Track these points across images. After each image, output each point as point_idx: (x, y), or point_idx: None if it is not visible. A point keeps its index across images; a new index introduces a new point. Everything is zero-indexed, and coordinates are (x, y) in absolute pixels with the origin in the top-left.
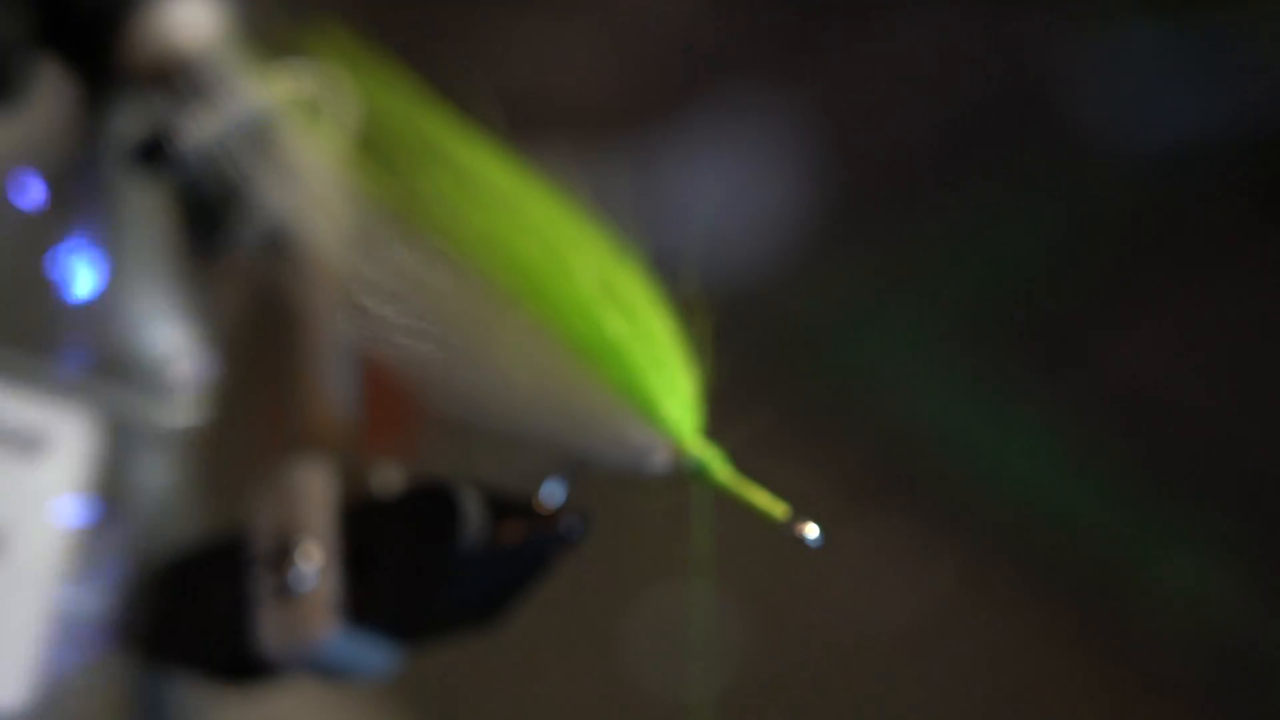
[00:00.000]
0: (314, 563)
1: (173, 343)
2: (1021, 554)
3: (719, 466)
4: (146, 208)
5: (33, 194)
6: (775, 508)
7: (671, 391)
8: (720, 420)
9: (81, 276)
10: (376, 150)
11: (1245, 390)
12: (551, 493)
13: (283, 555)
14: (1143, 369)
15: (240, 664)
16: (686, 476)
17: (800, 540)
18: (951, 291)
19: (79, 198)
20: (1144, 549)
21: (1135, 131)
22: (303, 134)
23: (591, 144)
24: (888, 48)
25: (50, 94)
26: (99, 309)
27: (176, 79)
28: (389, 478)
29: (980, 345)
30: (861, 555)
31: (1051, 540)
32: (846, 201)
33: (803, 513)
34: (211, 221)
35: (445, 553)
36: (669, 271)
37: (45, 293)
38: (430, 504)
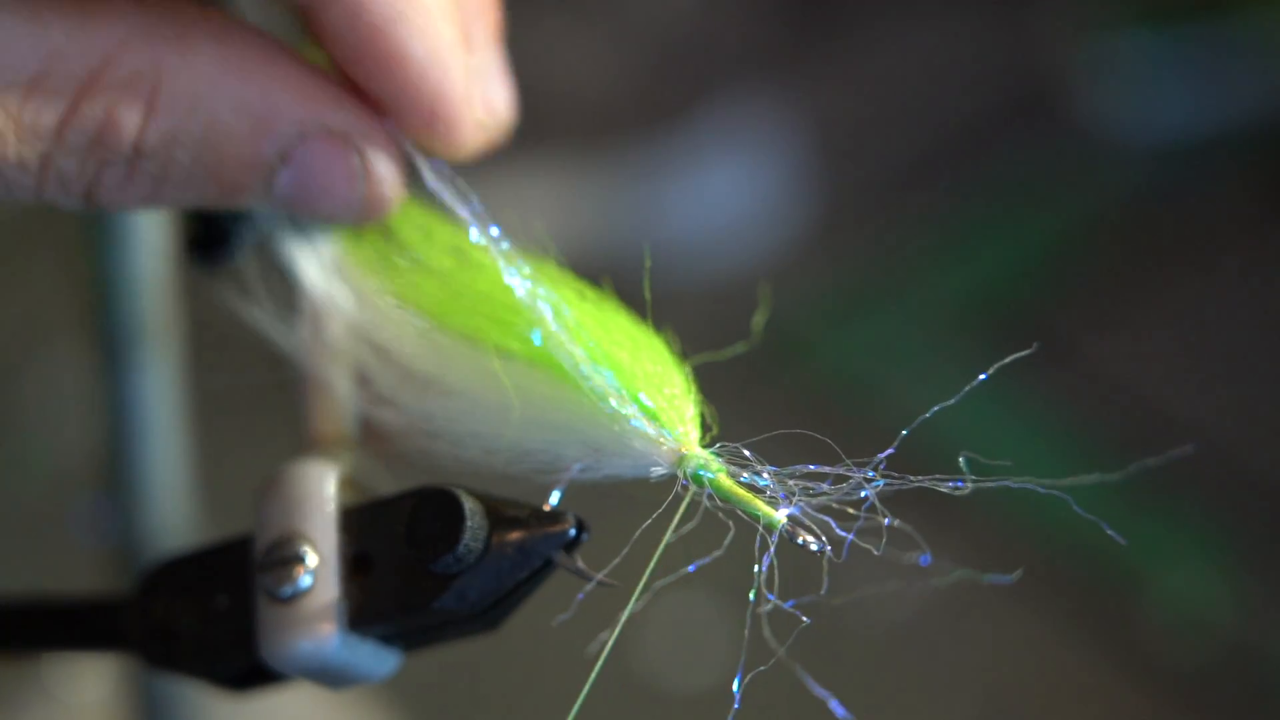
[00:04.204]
0: (314, 566)
1: None
2: (1019, 549)
3: (719, 472)
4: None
5: None
6: (773, 513)
7: (671, 401)
8: (720, 422)
9: None
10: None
11: (1241, 386)
12: (550, 498)
13: (283, 558)
14: (1135, 365)
15: (241, 668)
16: (687, 482)
17: (798, 545)
18: (947, 289)
19: None
20: (1142, 545)
21: (1129, 133)
22: None
23: (595, 145)
24: (890, 51)
25: None
26: None
27: None
28: (389, 482)
29: (975, 343)
30: (861, 550)
31: (1047, 535)
32: (845, 201)
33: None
34: (213, 220)
35: (445, 557)
36: (668, 270)
37: None
38: (430, 509)
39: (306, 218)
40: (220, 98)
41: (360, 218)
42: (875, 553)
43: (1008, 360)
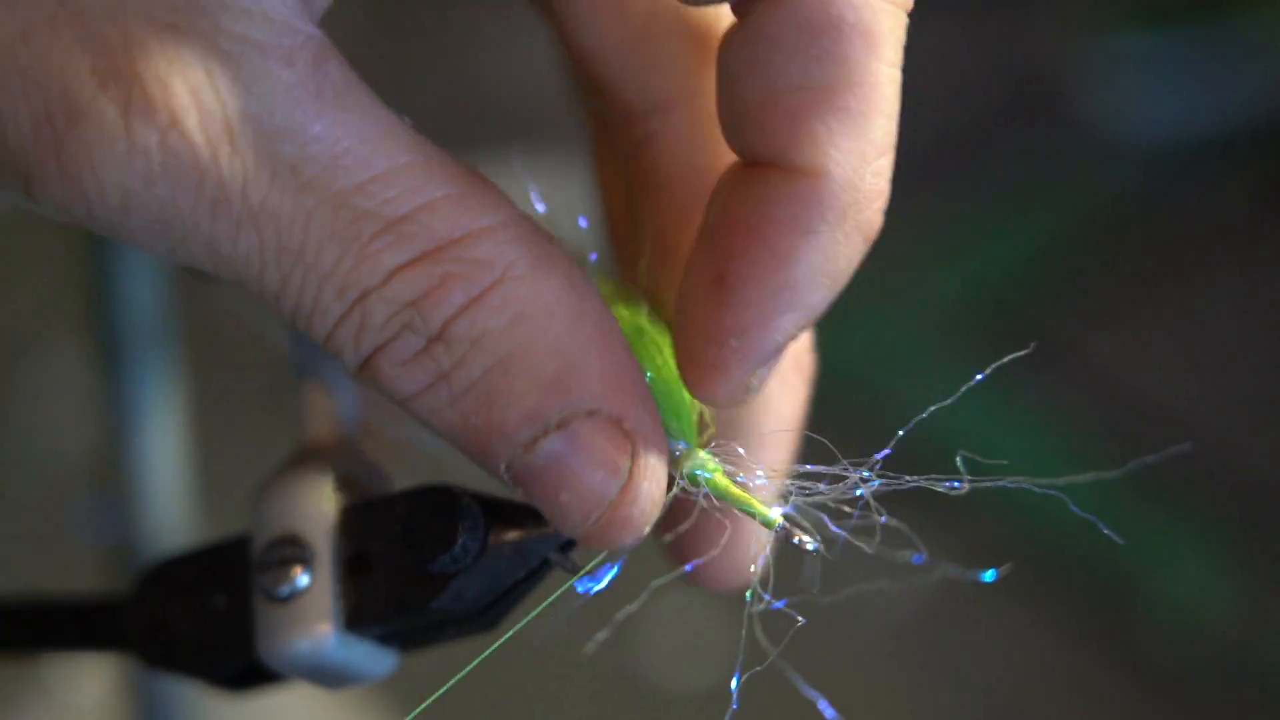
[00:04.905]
0: (311, 566)
1: None
2: (1017, 548)
3: (715, 472)
4: None
5: None
6: (769, 514)
7: (667, 400)
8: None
9: None
10: None
11: (1240, 386)
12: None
13: (280, 558)
14: (1135, 365)
15: (238, 668)
16: (684, 481)
17: (794, 545)
18: (946, 289)
19: None
20: (1140, 544)
21: (1129, 133)
22: None
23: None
24: None
25: None
26: None
27: None
28: (386, 482)
29: (974, 343)
30: (859, 550)
31: (1045, 534)
32: None
33: (798, 516)
34: None
35: (442, 556)
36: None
37: None
38: (427, 508)
39: (530, 496)
40: (544, 328)
41: (586, 531)
42: (870, 552)
43: (1006, 360)
